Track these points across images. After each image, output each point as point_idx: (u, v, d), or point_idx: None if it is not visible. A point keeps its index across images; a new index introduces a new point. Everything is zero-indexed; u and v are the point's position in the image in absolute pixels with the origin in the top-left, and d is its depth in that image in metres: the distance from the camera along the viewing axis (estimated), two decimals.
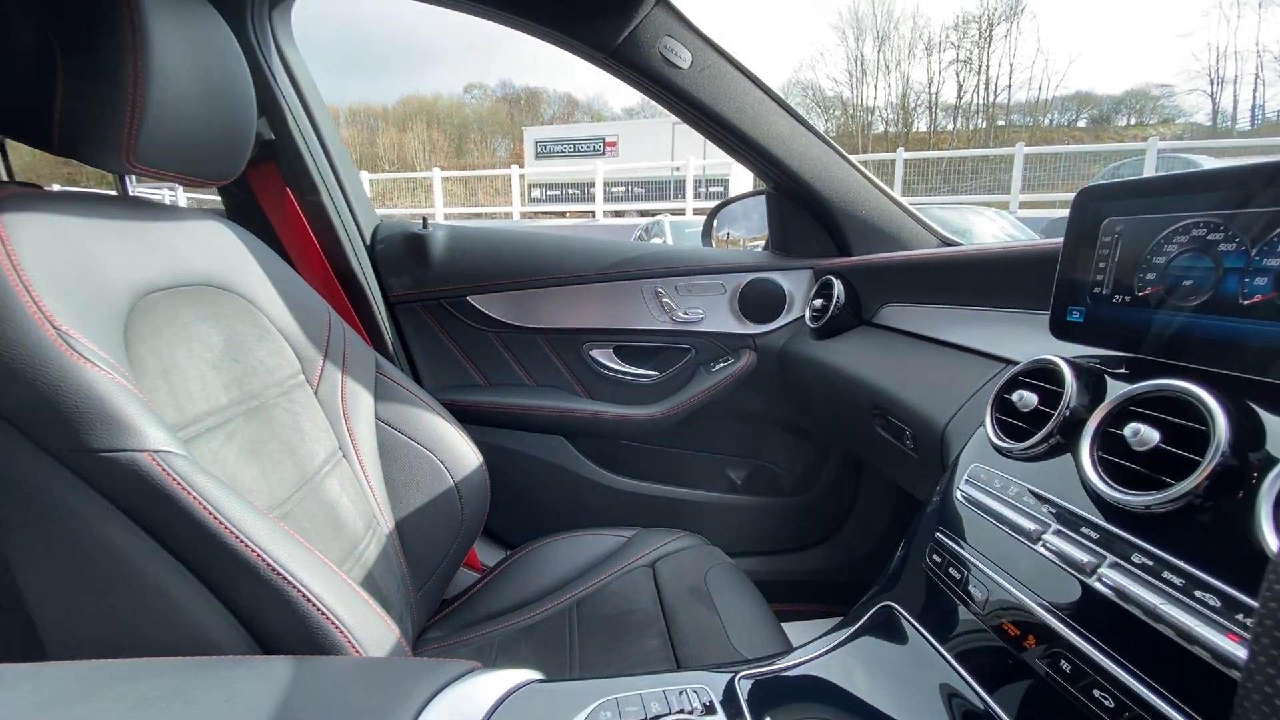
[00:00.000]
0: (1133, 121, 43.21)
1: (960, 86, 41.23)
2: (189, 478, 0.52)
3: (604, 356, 1.26)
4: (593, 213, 13.22)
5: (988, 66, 40.23)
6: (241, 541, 0.52)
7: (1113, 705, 0.38)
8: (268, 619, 0.54)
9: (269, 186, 1.06)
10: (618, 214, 14.18)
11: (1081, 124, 43.60)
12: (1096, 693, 0.40)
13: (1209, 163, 12.60)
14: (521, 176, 14.63)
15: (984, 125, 40.27)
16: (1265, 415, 0.41)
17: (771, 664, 0.56)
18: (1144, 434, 0.44)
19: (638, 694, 0.49)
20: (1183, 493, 0.40)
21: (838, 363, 1.03)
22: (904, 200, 1.18)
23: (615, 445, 1.31)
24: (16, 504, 0.52)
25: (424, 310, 1.23)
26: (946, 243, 1.17)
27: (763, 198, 1.30)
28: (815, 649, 0.58)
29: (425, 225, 1.20)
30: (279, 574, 0.53)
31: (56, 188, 0.74)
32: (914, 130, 41.95)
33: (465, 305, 1.22)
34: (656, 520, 1.19)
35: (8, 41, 0.60)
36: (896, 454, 0.87)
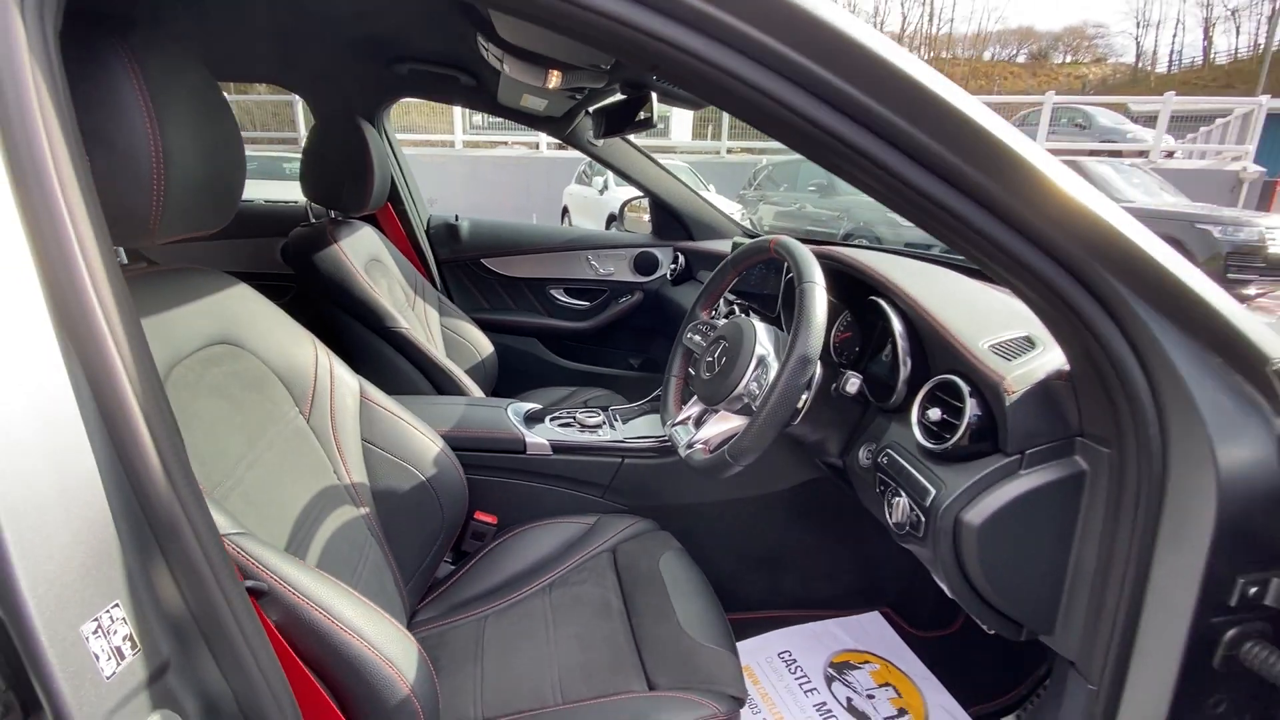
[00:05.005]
0: (1068, 59, 44.61)
1: (905, 17, 41.35)
2: (415, 334, 1.49)
3: (559, 294, 2.26)
4: (537, 144, 13.45)
5: None
6: (431, 357, 1.50)
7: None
8: (443, 386, 1.52)
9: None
10: (562, 146, 14.44)
11: (1021, 59, 44.79)
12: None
13: (1097, 115, 13.61)
14: None
15: (928, 57, 41.00)
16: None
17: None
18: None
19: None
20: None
21: (679, 299, 2.04)
22: (723, 205, 2.17)
23: (563, 343, 2.31)
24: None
25: (457, 266, 2.18)
26: (745, 231, 2.17)
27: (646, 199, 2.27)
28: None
29: (457, 219, 2.14)
30: (445, 368, 1.51)
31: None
32: None
33: (480, 265, 2.18)
34: (587, 383, 2.19)
35: (336, 149, 1.49)
36: None
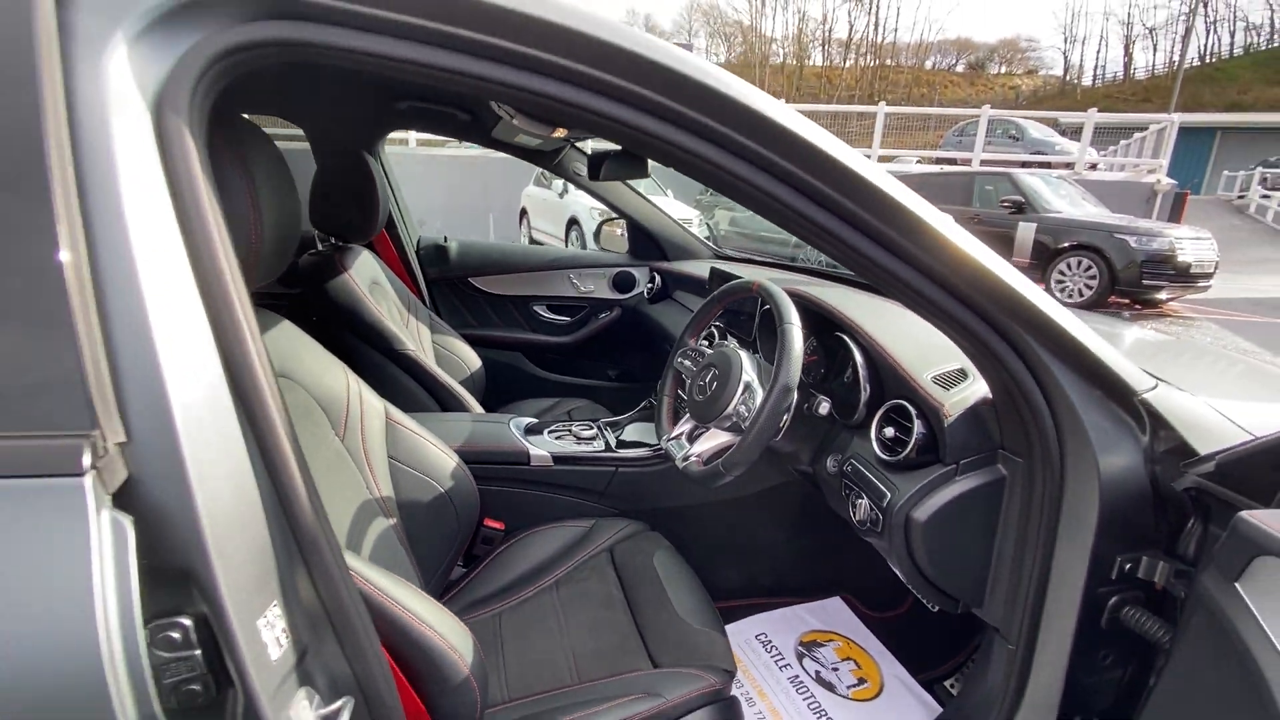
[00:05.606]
0: (1003, 70, 46.97)
1: (851, 26, 42.64)
2: (423, 355, 1.61)
3: (542, 310, 2.40)
4: None
5: (877, 8, 41.80)
6: (436, 376, 1.63)
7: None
8: (447, 402, 1.65)
9: None
10: None
11: (960, 69, 46.92)
12: None
13: (1028, 127, 14.38)
14: None
15: (874, 64, 42.45)
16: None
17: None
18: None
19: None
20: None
21: (656, 317, 2.21)
22: (696, 231, 2.35)
23: (546, 357, 2.45)
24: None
25: (445, 285, 2.29)
26: (714, 253, 2.35)
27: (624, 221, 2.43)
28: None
29: (445, 240, 2.25)
30: (448, 386, 1.64)
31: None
32: (809, 64, 43.41)
33: (467, 283, 2.30)
34: (568, 394, 2.33)
35: (343, 183, 1.59)
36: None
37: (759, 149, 0.68)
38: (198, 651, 0.53)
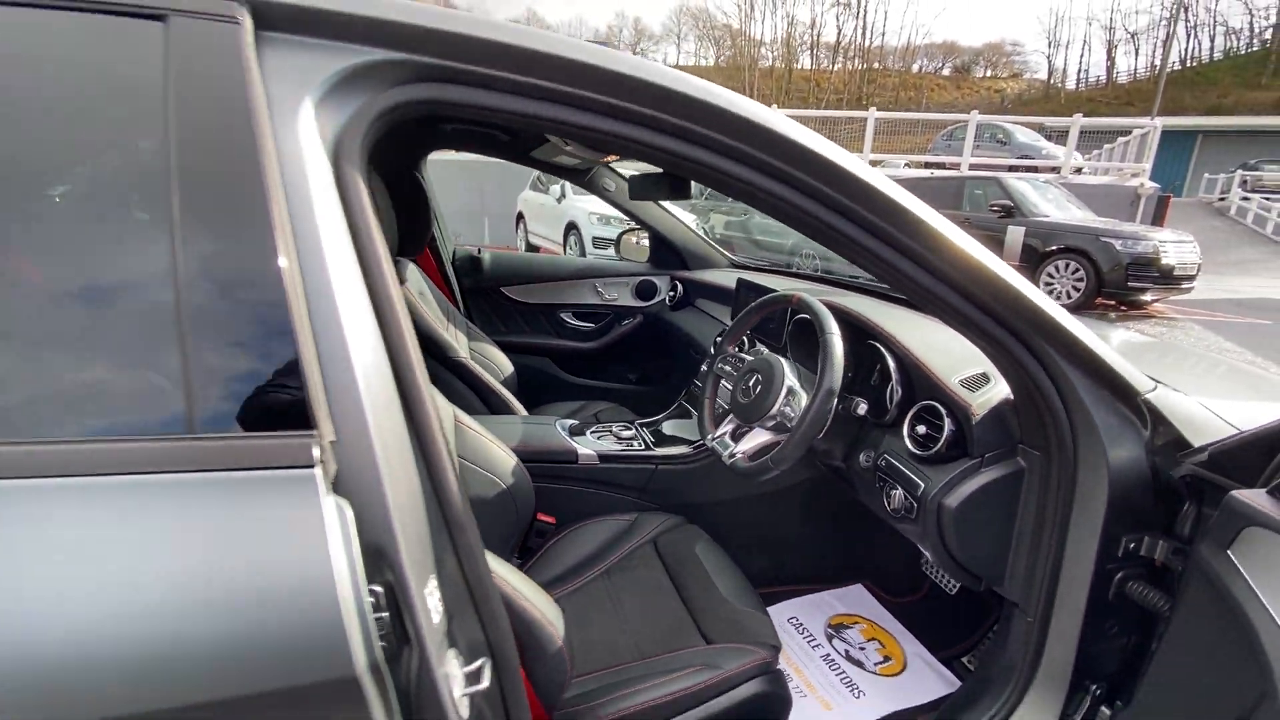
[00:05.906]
0: (988, 74, 47.57)
1: (840, 30, 42.99)
2: (470, 365, 1.72)
3: (569, 317, 2.51)
4: None
5: (865, 11, 42.19)
6: (485, 381, 1.74)
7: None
8: (495, 406, 1.76)
9: None
10: None
11: (946, 72, 47.46)
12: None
13: (1016, 132, 14.53)
14: None
15: (862, 67, 42.85)
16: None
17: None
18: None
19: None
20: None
21: (677, 323, 2.33)
22: (712, 241, 2.48)
23: (573, 362, 2.57)
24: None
25: (479, 293, 2.40)
26: (731, 262, 2.48)
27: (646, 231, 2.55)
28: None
29: (479, 251, 2.36)
30: (497, 391, 1.75)
31: None
32: (798, 68, 43.74)
33: (499, 292, 2.42)
34: (593, 397, 2.45)
35: (398, 202, 1.70)
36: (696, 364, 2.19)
37: (822, 186, 0.81)
38: (386, 614, 0.64)
